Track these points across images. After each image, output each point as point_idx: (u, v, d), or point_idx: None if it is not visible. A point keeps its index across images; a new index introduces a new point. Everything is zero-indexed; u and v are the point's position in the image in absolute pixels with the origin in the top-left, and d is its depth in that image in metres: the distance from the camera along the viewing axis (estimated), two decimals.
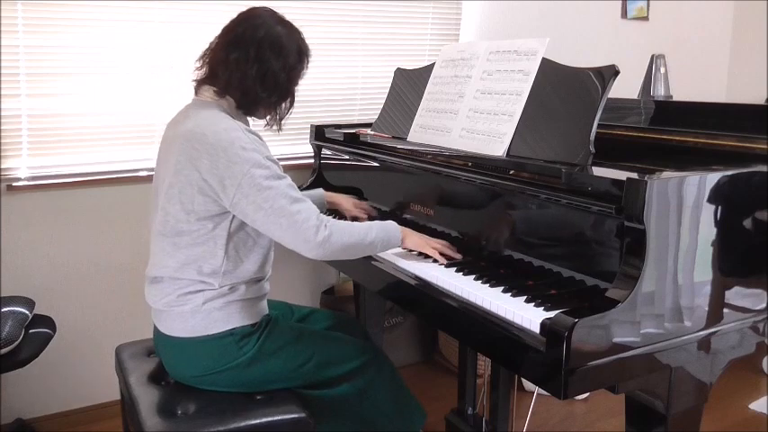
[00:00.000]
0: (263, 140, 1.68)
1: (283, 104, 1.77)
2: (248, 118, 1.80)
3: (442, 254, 1.75)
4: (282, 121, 1.80)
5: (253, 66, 1.66)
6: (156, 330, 1.76)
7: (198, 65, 1.74)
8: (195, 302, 1.67)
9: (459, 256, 1.77)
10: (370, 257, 1.82)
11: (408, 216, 2.01)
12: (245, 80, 1.67)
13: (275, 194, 1.60)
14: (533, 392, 2.55)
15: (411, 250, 1.82)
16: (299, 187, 2.48)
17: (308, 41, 1.78)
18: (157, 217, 1.69)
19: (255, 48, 1.66)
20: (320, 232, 1.62)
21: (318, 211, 1.67)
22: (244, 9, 1.75)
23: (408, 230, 1.81)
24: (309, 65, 1.79)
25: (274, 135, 2.78)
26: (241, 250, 1.69)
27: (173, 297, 1.68)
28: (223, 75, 1.68)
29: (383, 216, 2.11)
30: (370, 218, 2.12)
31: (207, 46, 1.74)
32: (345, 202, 2.16)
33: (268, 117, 1.79)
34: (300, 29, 1.77)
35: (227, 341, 1.68)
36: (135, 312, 2.58)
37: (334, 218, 2.19)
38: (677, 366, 1.42)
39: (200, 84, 1.74)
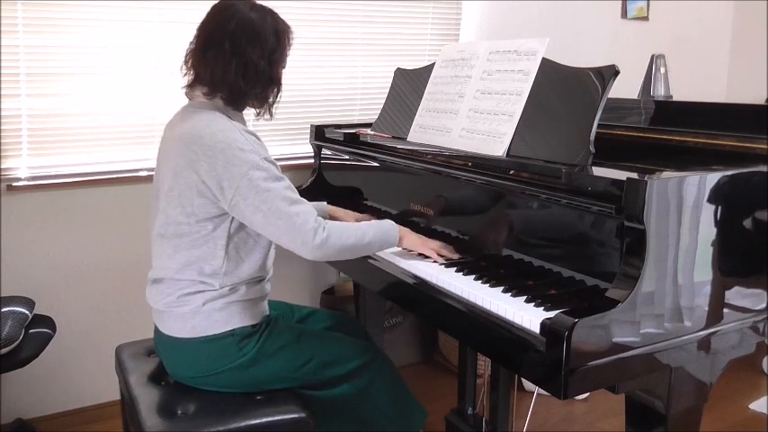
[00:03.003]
0: (260, 141, 1.67)
1: (270, 91, 1.73)
2: (244, 115, 1.79)
3: (440, 254, 1.75)
4: (273, 108, 1.76)
5: (231, 60, 1.63)
6: (156, 331, 1.76)
7: (183, 70, 1.71)
8: (195, 303, 1.66)
9: (456, 256, 1.77)
10: (368, 257, 1.83)
11: (408, 216, 2.01)
12: (228, 76, 1.64)
13: (273, 196, 1.59)
14: (533, 392, 2.54)
15: (410, 250, 1.82)
16: (298, 188, 2.49)
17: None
18: (158, 220, 1.69)
19: (230, 41, 1.63)
20: (318, 234, 1.61)
21: (315, 213, 1.65)
22: None
23: (406, 230, 1.81)
24: (293, 41, 1.74)
25: (275, 135, 2.81)
26: (242, 250, 1.69)
27: (173, 298, 1.68)
28: (205, 75, 1.66)
29: (382, 217, 2.11)
30: None
31: (186, 48, 1.71)
32: (345, 216, 2.06)
33: (258, 108, 1.75)
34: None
35: (227, 342, 1.68)
36: (135, 312, 2.58)
37: None
38: (677, 366, 1.42)
39: (189, 88, 1.72)
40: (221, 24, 1.65)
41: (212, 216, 1.63)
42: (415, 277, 1.69)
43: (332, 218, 2.08)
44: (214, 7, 1.70)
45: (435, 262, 1.73)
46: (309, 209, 1.64)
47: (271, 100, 1.75)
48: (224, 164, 1.57)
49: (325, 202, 2.12)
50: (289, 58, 1.76)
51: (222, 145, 1.58)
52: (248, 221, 1.62)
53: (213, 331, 1.67)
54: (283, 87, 1.76)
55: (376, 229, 1.73)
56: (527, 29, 3.21)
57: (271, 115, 1.77)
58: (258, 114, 1.77)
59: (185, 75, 1.72)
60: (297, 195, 1.64)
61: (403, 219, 2.03)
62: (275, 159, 1.64)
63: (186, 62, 1.71)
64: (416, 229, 1.95)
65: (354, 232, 1.69)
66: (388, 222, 1.79)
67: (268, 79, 1.70)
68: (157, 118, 2.52)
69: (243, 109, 1.75)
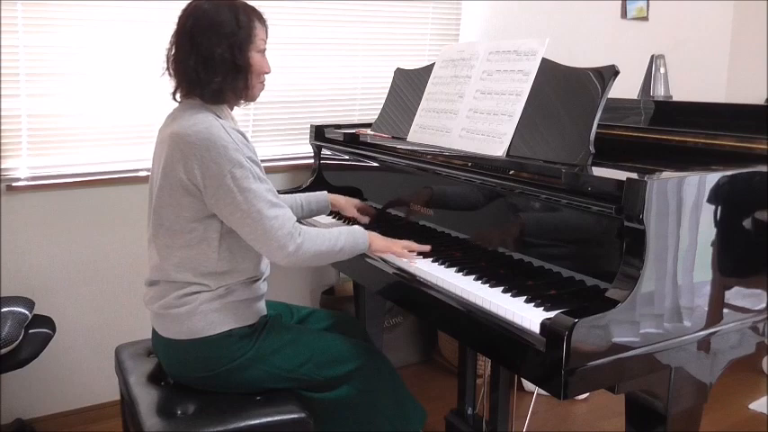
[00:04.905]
0: (248, 140, 1.67)
1: (240, 77, 1.68)
2: (236, 114, 1.77)
3: (411, 250, 1.75)
4: (250, 93, 1.72)
5: (191, 57, 1.63)
6: (154, 333, 1.76)
7: (167, 76, 1.71)
8: (192, 304, 1.66)
9: (427, 248, 1.76)
10: (367, 256, 1.83)
11: (408, 216, 2.01)
12: (194, 73, 1.63)
13: (254, 197, 1.58)
14: (533, 392, 2.55)
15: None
16: (298, 187, 2.50)
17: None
18: (152, 221, 1.69)
19: (188, 38, 1.64)
20: (293, 240, 1.61)
21: (294, 218, 1.65)
22: None
23: (374, 235, 1.80)
24: (265, 21, 1.71)
25: (275, 135, 2.81)
26: (235, 251, 1.68)
27: (169, 299, 1.68)
28: (177, 77, 1.67)
29: (382, 216, 2.12)
30: (370, 219, 2.11)
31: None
32: (346, 204, 2.12)
33: (235, 97, 1.71)
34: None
35: (224, 343, 1.68)
36: (135, 312, 2.58)
37: (336, 220, 2.20)
38: (677, 366, 1.42)
39: (174, 92, 1.72)
40: (181, 25, 1.67)
41: (201, 216, 1.63)
42: (415, 277, 1.69)
43: (332, 206, 2.13)
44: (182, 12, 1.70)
45: (438, 262, 1.73)
46: (288, 214, 1.64)
47: (243, 85, 1.69)
48: (208, 161, 1.57)
49: (325, 192, 2.13)
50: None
51: (207, 142, 1.58)
52: (227, 220, 1.63)
53: (210, 332, 1.67)
54: (272, 71, 1.73)
55: (347, 236, 1.73)
56: (526, 29, 3.21)
57: (250, 99, 1.73)
58: (237, 103, 1.74)
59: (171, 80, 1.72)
60: (277, 199, 1.64)
61: (402, 219, 2.03)
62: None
63: (166, 69, 1.71)
64: (416, 229, 1.96)
65: (328, 239, 1.68)
66: (359, 229, 1.79)
67: (232, 65, 1.65)
68: (157, 118, 2.48)
69: (223, 102, 1.71)
